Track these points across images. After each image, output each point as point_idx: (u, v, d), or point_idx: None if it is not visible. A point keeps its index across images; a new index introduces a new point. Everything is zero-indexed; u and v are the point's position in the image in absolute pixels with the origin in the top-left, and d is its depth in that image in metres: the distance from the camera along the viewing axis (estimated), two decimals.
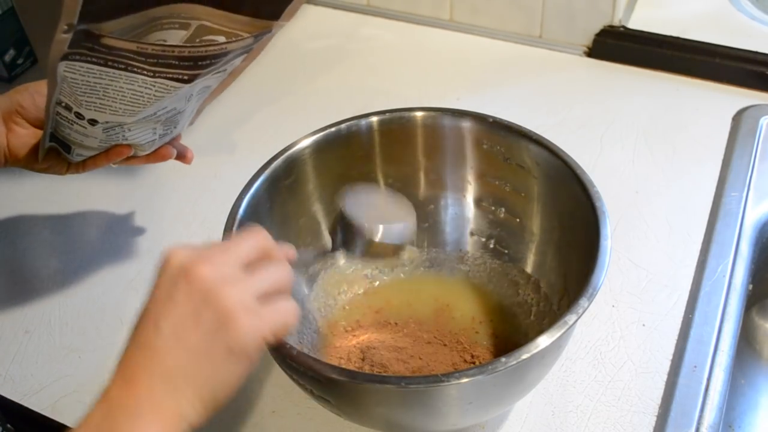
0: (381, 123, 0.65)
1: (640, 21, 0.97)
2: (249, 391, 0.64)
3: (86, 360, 0.67)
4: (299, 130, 0.64)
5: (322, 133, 0.64)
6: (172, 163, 0.71)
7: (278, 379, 0.63)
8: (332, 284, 0.67)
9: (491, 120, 0.64)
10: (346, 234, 0.58)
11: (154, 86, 0.55)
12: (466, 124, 0.65)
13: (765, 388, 0.80)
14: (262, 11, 0.57)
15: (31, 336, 0.69)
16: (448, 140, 0.66)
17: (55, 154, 0.65)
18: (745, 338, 0.82)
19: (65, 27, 0.47)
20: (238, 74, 0.65)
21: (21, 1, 0.98)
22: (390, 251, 0.58)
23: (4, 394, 0.65)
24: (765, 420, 0.77)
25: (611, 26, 0.96)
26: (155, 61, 0.52)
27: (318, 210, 0.66)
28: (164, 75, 0.54)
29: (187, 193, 0.83)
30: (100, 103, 0.57)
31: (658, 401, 0.60)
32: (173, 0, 0.54)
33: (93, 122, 0.59)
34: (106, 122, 0.59)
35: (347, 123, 0.65)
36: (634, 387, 0.61)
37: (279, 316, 0.45)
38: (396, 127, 0.65)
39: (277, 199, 0.62)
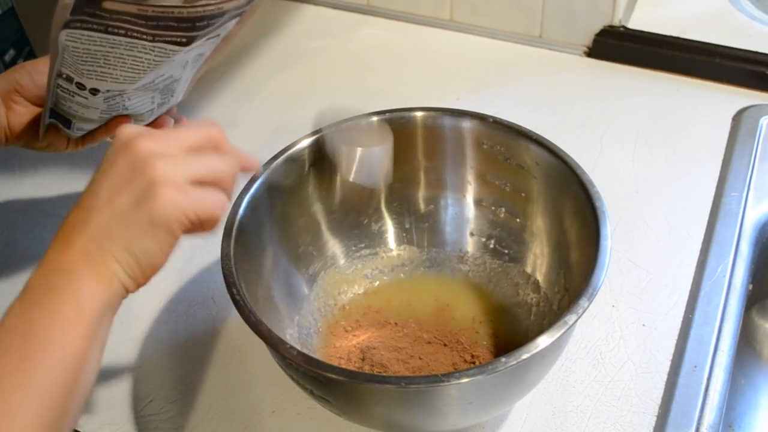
0: (381, 123, 0.65)
1: (640, 21, 0.97)
2: (249, 391, 0.64)
3: None
4: (299, 130, 0.64)
5: (322, 133, 0.64)
6: None
7: (278, 379, 0.63)
8: (332, 284, 0.67)
9: (491, 120, 0.64)
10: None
11: (153, 51, 0.56)
12: (466, 124, 0.65)
13: (765, 388, 0.80)
14: None
15: None
16: (448, 140, 0.66)
17: (54, 130, 0.66)
18: (745, 338, 0.82)
19: None
20: (230, 40, 0.65)
21: (21, 1, 0.98)
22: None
23: None
24: (765, 420, 0.77)
25: (611, 26, 0.96)
26: (155, 23, 0.53)
27: (318, 210, 0.66)
28: (163, 39, 0.55)
29: None
30: (101, 72, 0.57)
31: (658, 401, 0.60)
32: None
33: (94, 92, 0.60)
34: (108, 91, 0.60)
35: (347, 123, 0.65)
36: (634, 387, 0.61)
37: (205, 201, 0.46)
38: (396, 127, 0.65)
39: (277, 199, 0.62)
